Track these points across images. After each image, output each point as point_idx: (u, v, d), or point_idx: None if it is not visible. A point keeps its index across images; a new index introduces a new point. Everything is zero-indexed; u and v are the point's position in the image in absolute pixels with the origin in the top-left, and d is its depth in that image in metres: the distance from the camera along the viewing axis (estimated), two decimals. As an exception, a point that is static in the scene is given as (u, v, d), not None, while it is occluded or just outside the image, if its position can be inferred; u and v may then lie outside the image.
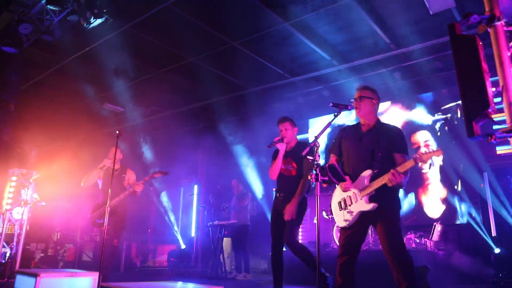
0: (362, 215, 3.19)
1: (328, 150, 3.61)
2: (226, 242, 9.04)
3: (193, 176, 11.66)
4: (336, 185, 3.45)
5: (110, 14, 5.98)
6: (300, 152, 3.60)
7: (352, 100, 3.43)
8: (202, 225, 10.70)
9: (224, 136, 10.73)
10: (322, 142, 9.08)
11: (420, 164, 3.06)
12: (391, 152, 3.26)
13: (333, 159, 3.55)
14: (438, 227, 6.75)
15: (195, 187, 11.59)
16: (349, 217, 3.22)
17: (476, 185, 7.12)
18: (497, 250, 5.97)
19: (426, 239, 6.57)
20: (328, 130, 3.54)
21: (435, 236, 6.67)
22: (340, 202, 3.36)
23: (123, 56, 8.09)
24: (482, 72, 1.94)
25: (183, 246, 10.86)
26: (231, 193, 8.47)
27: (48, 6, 6.05)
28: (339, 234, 3.42)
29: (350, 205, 3.25)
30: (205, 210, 9.85)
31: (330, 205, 3.52)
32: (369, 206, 3.13)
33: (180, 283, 3.32)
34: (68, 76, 8.55)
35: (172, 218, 11.47)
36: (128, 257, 9.55)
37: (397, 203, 3.27)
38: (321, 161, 3.30)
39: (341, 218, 3.30)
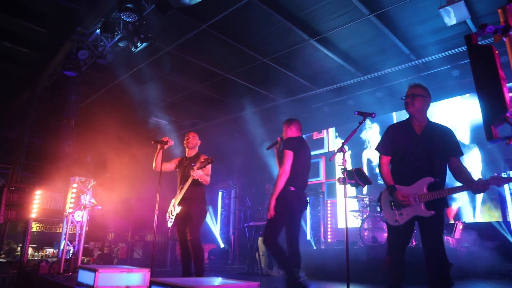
0: (415, 217, 2.97)
1: (379, 150, 3.25)
2: (261, 241, 9.03)
3: (230, 181, 11.77)
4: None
5: (154, 38, 6.18)
6: (282, 149, 3.85)
7: (404, 97, 3.17)
8: (239, 226, 10.76)
9: (256, 145, 10.79)
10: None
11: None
12: (447, 157, 3.03)
13: (386, 160, 3.21)
14: (459, 225, 6.53)
15: (232, 191, 11.70)
16: (401, 217, 2.99)
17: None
18: None
19: (448, 237, 6.35)
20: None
21: (457, 233, 6.45)
22: (392, 202, 3.07)
23: (166, 75, 8.33)
24: (499, 79, 1.89)
25: (222, 245, 10.95)
26: (265, 197, 8.48)
27: (102, 34, 6.34)
28: (387, 232, 3.19)
29: (406, 204, 2.98)
30: (241, 212, 9.91)
31: (379, 200, 3.26)
32: (428, 213, 2.89)
33: (220, 279, 3.35)
34: (119, 93, 8.88)
35: (212, 219, 11.60)
36: (173, 255, 9.73)
37: (447, 203, 3.04)
38: (349, 166, 3.28)
39: (392, 217, 3.05)
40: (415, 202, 2.95)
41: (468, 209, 7.41)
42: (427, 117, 3.18)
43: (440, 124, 3.19)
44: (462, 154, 3.06)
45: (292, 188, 3.83)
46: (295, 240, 3.91)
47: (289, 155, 3.85)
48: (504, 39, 1.93)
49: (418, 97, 3.11)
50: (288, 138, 4.11)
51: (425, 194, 2.92)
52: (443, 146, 3.02)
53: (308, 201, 4.14)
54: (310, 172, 4.14)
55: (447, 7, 5.50)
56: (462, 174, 2.98)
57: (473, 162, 7.46)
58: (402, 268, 3.04)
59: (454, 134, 3.10)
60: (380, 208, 3.27)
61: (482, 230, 6.96)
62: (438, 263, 2.84)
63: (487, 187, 2.76)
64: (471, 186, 2.83)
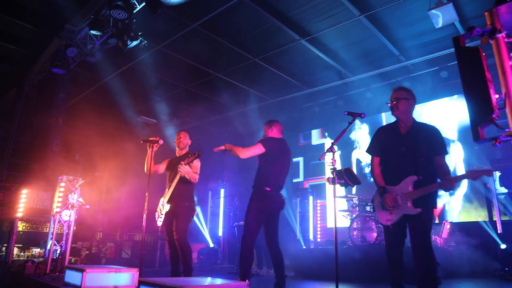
0: (405, 216, 3.02)
1: (369, 152, 3.38)
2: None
3: (219, 181, 11.74)
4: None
5: (144, 36, 6.14)
6: (257, 142, 3.91)
7: (388, 101, 3.25)
8: (228, 225, 10.74)
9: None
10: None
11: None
12: (431, 155, 3.06)
13: (377, 161, 3.31)
14: (447, 225, 6.61)
15: (222, 191, 11.67)
16: (392, 217, 3.07)
17: (482, 186, 6.99)
18: (503, 246, 5.84)
19: (436, 236, 6.42)
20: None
21: (444, 233, 6.53)
22: (381, 203, 3.16)
23: (156, 73, 8.28)
24: (486, 81, 1.92)
25: (211, 245, 10.91)
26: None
27: (91, 32, 6.27)
28: (383, 233, 3.27)
29: (393, 206, 3.07)
30: (230, 212, 9.90)
31: (373, 200, 3.35)
32: (415, 211, 2.95)
33: (209, 279, 3.33)
34: (108, 92, 8.79)
35: (202, 219, 11.56)
36: (162, 255, 9.66)
37: (435, 203, 3.09)
38: (338, 166, 3.29)
39: (384, 218, 3.13)
40: (402, 201, 3.02)
41: (455, 208, 7.51)
42: (412, 118, 3.24)
43: (426, 124, 3.27)
44: (446, 153, 3.09)
45: (268, 189, 3.91)
46: (274, 239, 3.95)
47: (258, 148, 3.91)
48: (491, 41, 1.97)
49: (402, 100, 3.19)
50: (269, 136, 4.14)
51: (410, 192, 2.99)
52: (428, 144, 3.07)
53: (285, 201, 4.12)
54: (288, 173, 4.16)
55: (436, 9, 5.57)
56: (442, 172, 3.02)
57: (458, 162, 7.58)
58: (401, 266, 3.10)
59: (439, 133, 3.14)
60: (373, 209, 3.33)
61: (469, 230, 7.06)
62: (426, 262, 2.89)
63: (453, 184, 2.86)
64: (444, 183, 2.90)
